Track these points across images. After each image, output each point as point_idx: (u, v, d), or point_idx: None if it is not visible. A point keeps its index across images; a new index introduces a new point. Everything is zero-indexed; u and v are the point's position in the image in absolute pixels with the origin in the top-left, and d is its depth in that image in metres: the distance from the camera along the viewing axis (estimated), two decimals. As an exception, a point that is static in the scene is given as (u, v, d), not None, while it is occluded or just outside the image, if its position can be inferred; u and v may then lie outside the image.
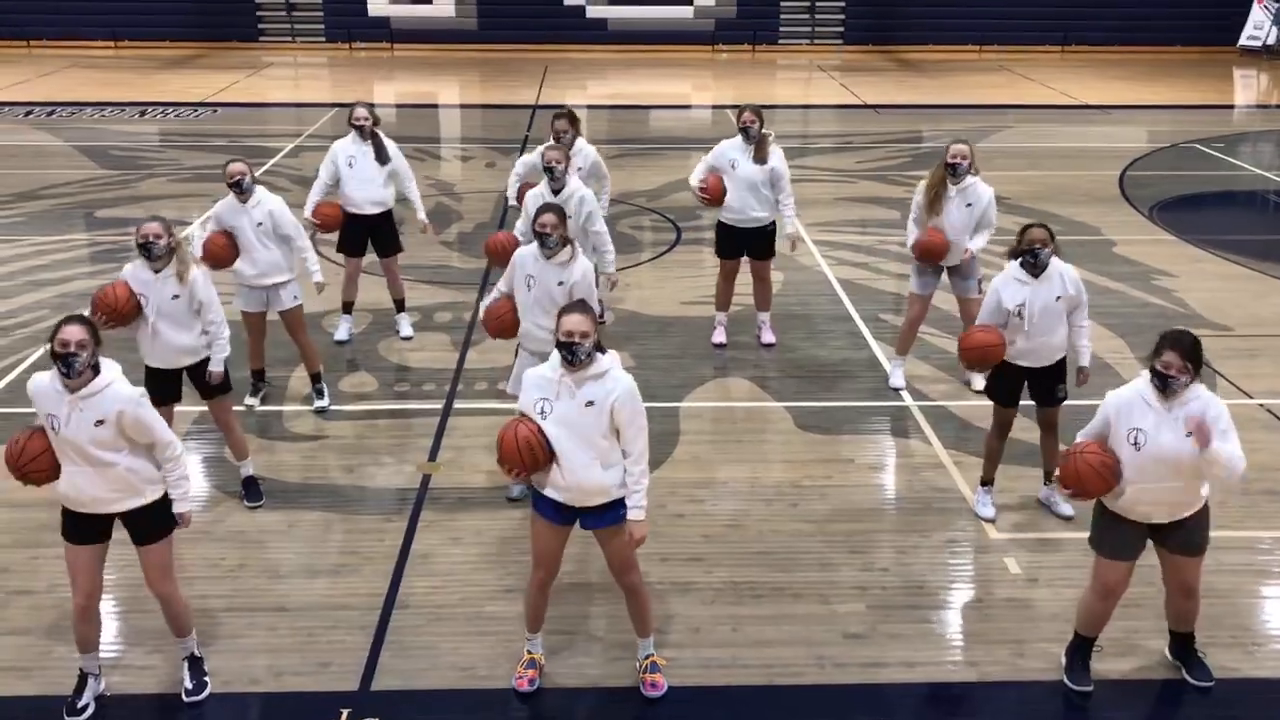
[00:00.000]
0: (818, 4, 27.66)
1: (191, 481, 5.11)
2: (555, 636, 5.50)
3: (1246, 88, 23.65)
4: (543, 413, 4.78)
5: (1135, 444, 4.83)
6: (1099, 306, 9.93)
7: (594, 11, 27.23)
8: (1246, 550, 6.28)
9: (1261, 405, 8.08)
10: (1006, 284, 6.29)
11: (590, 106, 21.08)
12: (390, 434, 7.72)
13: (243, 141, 16.73)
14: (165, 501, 4.96)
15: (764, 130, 8.60)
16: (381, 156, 8.69)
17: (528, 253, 6.34)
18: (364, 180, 8.67)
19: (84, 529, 4.89)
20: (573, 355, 4.70)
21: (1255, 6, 26.20)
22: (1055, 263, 6.26)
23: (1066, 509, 6.58)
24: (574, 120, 8.86)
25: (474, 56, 26.28)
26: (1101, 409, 4.99)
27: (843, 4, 27.65)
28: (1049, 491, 6.69)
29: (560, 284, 6.25)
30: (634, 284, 10.61)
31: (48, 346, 4.67)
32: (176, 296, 6.29)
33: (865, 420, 7.95)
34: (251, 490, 6.78)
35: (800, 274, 10.91)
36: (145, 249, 6.22)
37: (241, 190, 7.42)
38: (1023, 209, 12.90)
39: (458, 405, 8.08)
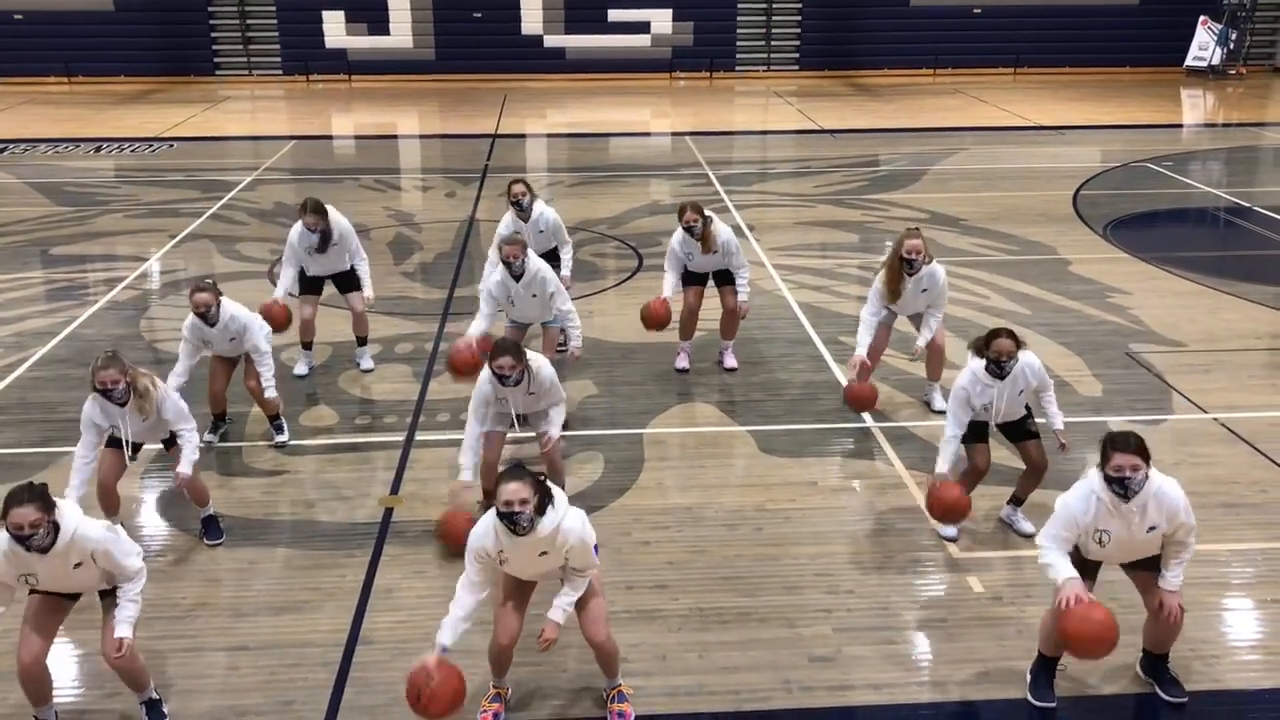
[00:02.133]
0: (773, 31, 27.94)
1: (139, 609, 5.02)
2: (521, 669, 5.45)
3: (1194, 107, 24.11)
4: (501, 562, 4.84)
5: (1100, 542, 4.95)
6: (1055, 325, 10.08)
7: (551, 41, 27.35)
8: (1204, 563, 6.34)
9: (1215, 419, 8.19)
10: (974, 385, 6.32)
11: (550, 135, 21.19)
12: (351, 468, 7.66)
13: (200, 176, 16.64)
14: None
15: (707, 221, 8.65)
16: (324, 247, 8.75)
17: (489, 381, 6.40)
18: (324, 264, 8.86)
19: None
20: (514, 524, 4.68)
21: (1200, 28, 26.76)
22: (1017, 363, 6.30)
23: (1027, 526, 6.63)
24: (530, 186, 9.12)
25: (432, 87, 26.32)
26: (1063, 517, 4.96)
27: (798, 30, 27.95)
28: (1010, 510, 6.75)
29: (532, 393, 6.43)
30: (597, 311, 10.62)
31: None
32: (146, 420, 6.26)
33: (828, 443, 7.98)
34: (211, 528, 6.70)
35: (761, 298, 10.96)
36: (105, 394, 6.10)
37: (208, 320, 7.38)
38: (979, 230, 13.07)
39: (419, 437, 8.04)
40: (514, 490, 4.64)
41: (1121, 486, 4.79)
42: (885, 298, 7.99)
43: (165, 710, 5.17)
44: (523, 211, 8.99)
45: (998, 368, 6.25)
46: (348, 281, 8.97)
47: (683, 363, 9.18)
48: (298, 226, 8.74)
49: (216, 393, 7.82)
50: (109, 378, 6.05)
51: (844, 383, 8.28)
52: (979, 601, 6.06)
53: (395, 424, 8.26)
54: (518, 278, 7.79)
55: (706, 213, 8.72)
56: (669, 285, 8.86)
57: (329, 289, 9.04)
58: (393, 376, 9.12)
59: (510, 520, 4.66)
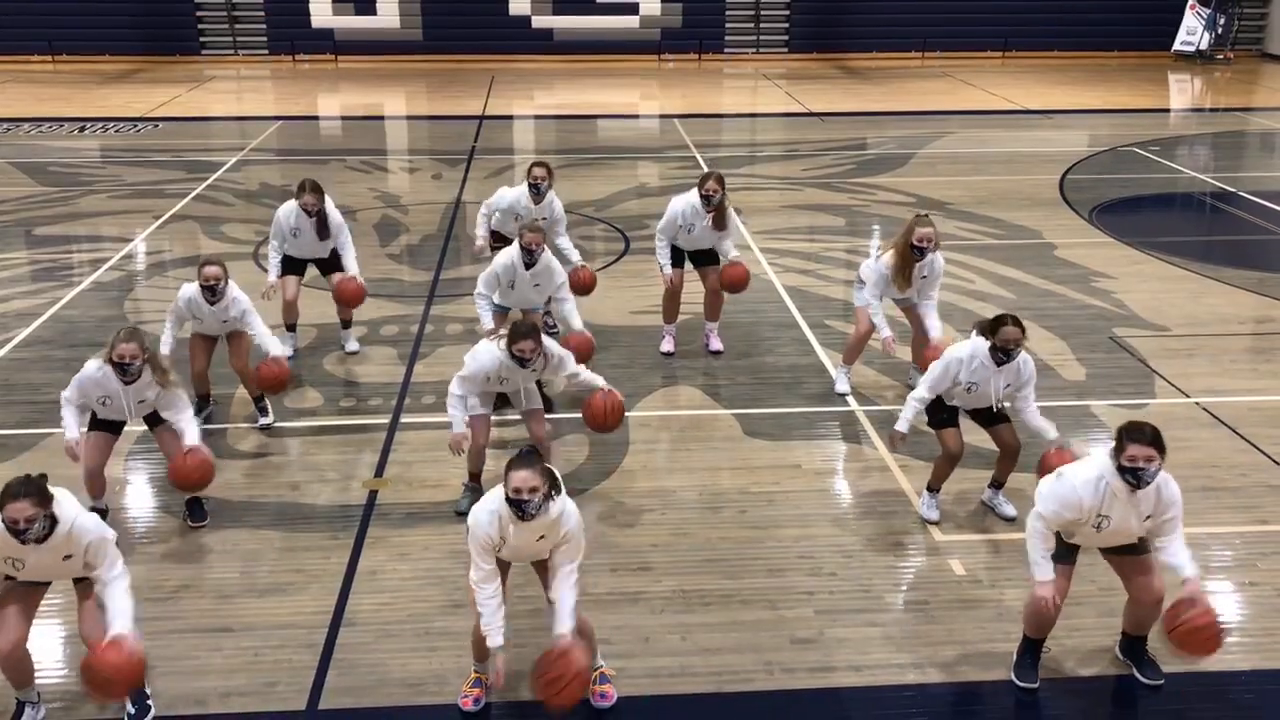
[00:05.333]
0: (762, 13, 27.85)
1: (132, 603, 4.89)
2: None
3: (1181, 92, 24.13)
4: (498, 548, 4.83)
5: (1098, 527, 4.97)
6: (1040, 309, 10.11)
7: (540, 22, 27.21)
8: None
9: (1198, 404, 8.24)
10: (970, 361, 6.29)
11: (537, 117, 21.10)
12: (336, 450, 7.66)
13: (185, 156, 16.55)
14: None
15: (724, 199, 8.60)
16: (323, 233, 8.70)
17: (495, 355, 6.38)
18: (307, 250, 8.82)
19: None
20: (523, 512, 4.68)
21: (1188, 12, 26.76)
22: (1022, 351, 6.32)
23: (1009, 510, 6.68)
24: (550, 170, 9.04)
25: (419, 67, 26.18)
26: (1066, 498, 4.94)
27: (787, 13, 27.87)
28: (992, 493, 6.79)
29: (533, 369, 6.45)
30: (582, 294, 10.61)
31: None
32: (143, 401, 6.25)
33: (812, 426, 8.01)
34: (195, 510, 6.69)
35: (747, 281, 10.96)
36: (121, 369, 6.05)
37: (214, 295, 7.36)
38: (966, 213, 13.08)
39: (405, 420, 8.04)
40: (524, 479, 4.63)
41: (1135, 477, 4.82)
42: (894, 284, 7.90)
43: (149, 691, 5.17)
44: (539, 195, 8.93)
45: (1004, 355, 6.24)
46: (329, 263, 8.93)
47: (668, 346, 9.18)
48: (286, 206, 8.71)
49: (199, 372, 7.80)
50: (129, 351, 6.00)
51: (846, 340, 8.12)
52: (960, 584, 6.10)
53: (380, 406, 8.25)
54: (529, 265, 7.73)
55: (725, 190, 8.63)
56: (663, 254, 8.78)
57: (311, 270, 9.00)
58: (378, 359, 9.11)
59: (519, 507, 4.65)
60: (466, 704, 5.13)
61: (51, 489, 4.69)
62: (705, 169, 15.02)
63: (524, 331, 6.26)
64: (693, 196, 8.61)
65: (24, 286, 10.83)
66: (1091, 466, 4.99)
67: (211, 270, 7.30)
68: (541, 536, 4.83)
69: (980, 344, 6.31)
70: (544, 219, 8.85)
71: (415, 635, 5.66)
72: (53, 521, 4.65)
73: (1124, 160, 16.60)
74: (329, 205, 8.75)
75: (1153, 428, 4.86)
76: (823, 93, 22.85)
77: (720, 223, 8.64)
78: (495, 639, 4.81)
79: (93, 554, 4.78)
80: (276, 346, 7.56)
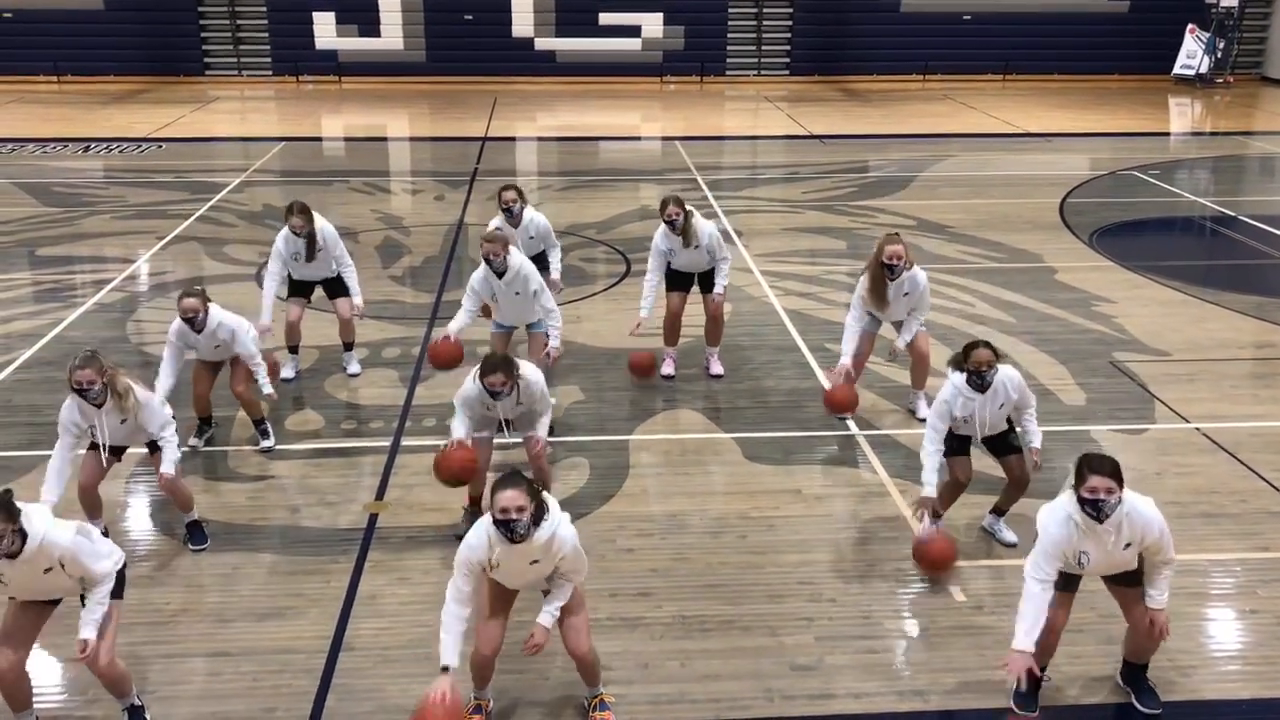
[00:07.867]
0: (764, 35, 27.99)
1: (110, 621, 4.98)
2: (504, 677, 5.46)
3: (1181, 115, 24.21)
4: (492, 568, 4.84)
5: (1081, 563, 5.01)
6: (1040, 333, 10.12)
7: (543, 44, 27.36)
8: (1183, 573, 6.36)
9: (1198, 429, 8.24)
10: (955, 398, 6.33)
11: (540, 138, 21.19)
12: (337, 473, 7.66)
13: (189, 177, 16.61)
14: (118, 575, 4.97)
15: (688, 214, 8.63)
16: (310, 254, 8.75)
17: (476, 385, 6.33)
18: (309, 271, 8.88)
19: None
20: (511, 532, 4.67)
21: (1188, 36, 26.88)
22: (998, 374, 6.32)
23: (1010, 536, 6.67)
24: (521, 192, 9.11)
25: (423, 89, 26.30)
26: (1046, 547, 4.98)
27: (788, 35, 28.01)
28: (993, 519, 6.78)
29: (520, 404, 6.42)
30: (584, 316, 10.64)
31: None
32: (124, 421, 6.24)
33: (813, 450, 8.01)
34: (195, 533, 6.70)
35: (748, 305, 10.99)
36: (81, 394, 6.07)
37: (195, 326, 7.34)
38: (966, 237, 13.12)
39: (406, 443, 8.04)
40: (511, 498, 4.63)
41: (1094, 509, 4.83)
42: (870, 305, 8.03)
43: (147, 716, 5.17)
44: (512, 218, 9.00)
45: (978, 379, 6.27)
46: (335, 286, 8.98)
47: (668, 369, 9.20)
48: (284, 231, 8.75)
49: (200, 395, 7.82)
50: (85, 377, 6.01)
51: (826, 388, 8.39)
52: (961, 611, 6.09)
53: (381, 429, 8.26)
54: (500, 274, 7.77)
55: (688, 207, 8.69)
56: (649, 287, 8.78)
57: (317, 291, 9.05)
58: (379, 381, 9.12)
59: (507, 528, 4.65)
60: (465, 730, 5.13)
61: (21, 504, 4.65)
62: (705, 191, 15.09)
63: (493, 365, 6.19)
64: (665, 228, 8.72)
65: (27, 307, 10.86)
66: (1059, 507, 5.00)
67: (188, 303, 7.25)
68: (535, 561, 4.82)
69: (958, 377, 6.34)
70: (531, 237, 8.96)
71: (415, 660, 5.65)
72: (23, 536, 4.63)
73: (1124, 184, 16.65)
74: (320, 224, 8.76)
75: (1112, 459, 4.87)
76: (824, 115, 22.94)
77: (689, 241, 8.63)
78: (448, 657, 4.75)
79: (72, 567, 4.75)
80: (261, 369, 7.61)
